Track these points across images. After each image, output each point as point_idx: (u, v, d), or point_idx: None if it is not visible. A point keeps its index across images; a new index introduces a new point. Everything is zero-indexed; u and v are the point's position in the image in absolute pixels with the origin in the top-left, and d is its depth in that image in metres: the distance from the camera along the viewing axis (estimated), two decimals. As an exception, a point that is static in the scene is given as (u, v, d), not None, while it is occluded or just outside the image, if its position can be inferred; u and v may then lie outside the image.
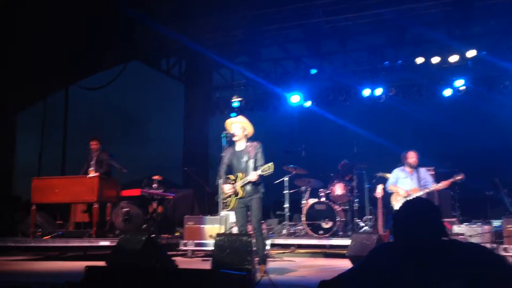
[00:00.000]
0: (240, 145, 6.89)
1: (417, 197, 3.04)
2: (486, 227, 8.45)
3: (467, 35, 12.39)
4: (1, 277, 6.14)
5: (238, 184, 6.64)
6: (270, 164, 6.50)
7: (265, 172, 6.47)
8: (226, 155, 6.93)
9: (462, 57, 12.32)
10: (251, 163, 6.70)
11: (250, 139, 6.95)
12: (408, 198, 7.83)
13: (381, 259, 2.90)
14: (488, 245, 7.81)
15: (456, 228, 8.61)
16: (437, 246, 2.76)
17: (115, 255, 6.18)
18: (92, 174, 9.43)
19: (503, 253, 7.70)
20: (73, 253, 9.71)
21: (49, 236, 9.19)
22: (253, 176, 6.51)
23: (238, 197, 6.68)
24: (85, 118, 19.48)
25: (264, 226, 8.53)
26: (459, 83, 12.72)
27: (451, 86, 12.93)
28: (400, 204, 3.02)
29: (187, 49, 14.11)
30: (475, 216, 10.11)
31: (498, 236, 8.27)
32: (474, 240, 8.01)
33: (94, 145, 9.98)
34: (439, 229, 2.82)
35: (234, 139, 6.92)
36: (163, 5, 11.51)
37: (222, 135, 6.93)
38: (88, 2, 10.84)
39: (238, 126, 6.91)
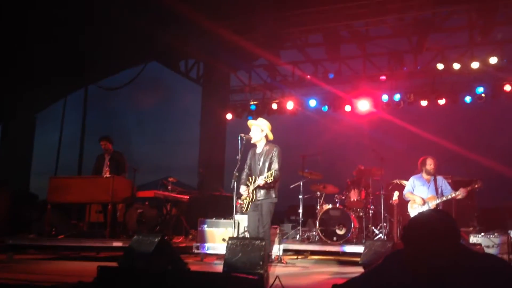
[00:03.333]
0: (259, 148, 6.89)
1: (431, 210, 2.97)
2: (504, 238, 8.28)
3: (489, 42, 12.24)
4: (14, 275, 6.16)
5: (251, 187, 6.63)
6: (269, 173, 6.51)
7: (267, 179, 6.46)
8: (248, 157, 6.97)
9: (484, 63, 12.15)
10: (265, 167, 6.68)
11: (270, 142, 6.95)
12: (424, 206, 7.75)
13: (395, 267, 2.84)
14: (505, 256, 7.67)
15: (473, 238, 8.45)
16: (451, 259, 2.68)
17: (127, 256, 6.16)
18: (108, 174, 9.45)
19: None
20: (86, 253, 9.72)
21: (63, 236, 9.22)
22: (260, 181, 6.51)
23: (250, 200, 6.66)
24: (103, 118, 19.65)
25: (277, 231, 8.48)
26: (480, 90, 12.55)
27: (471, 92, 12.76)
28: (416, 212, 2.96)
29: (206, 51, 14.10)
30: (493, 226, 9.92)
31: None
32: (490, 251, 7.85)
33: (103, 145, 9.91)
34: (453, 243, 2.74)
35: (252, 141, 6.93)
36: (183, 7, 11.52)
37: (238, 137, 6.92)
38: (109, 2, 10.89)
39: (256, 129, 6.91)
